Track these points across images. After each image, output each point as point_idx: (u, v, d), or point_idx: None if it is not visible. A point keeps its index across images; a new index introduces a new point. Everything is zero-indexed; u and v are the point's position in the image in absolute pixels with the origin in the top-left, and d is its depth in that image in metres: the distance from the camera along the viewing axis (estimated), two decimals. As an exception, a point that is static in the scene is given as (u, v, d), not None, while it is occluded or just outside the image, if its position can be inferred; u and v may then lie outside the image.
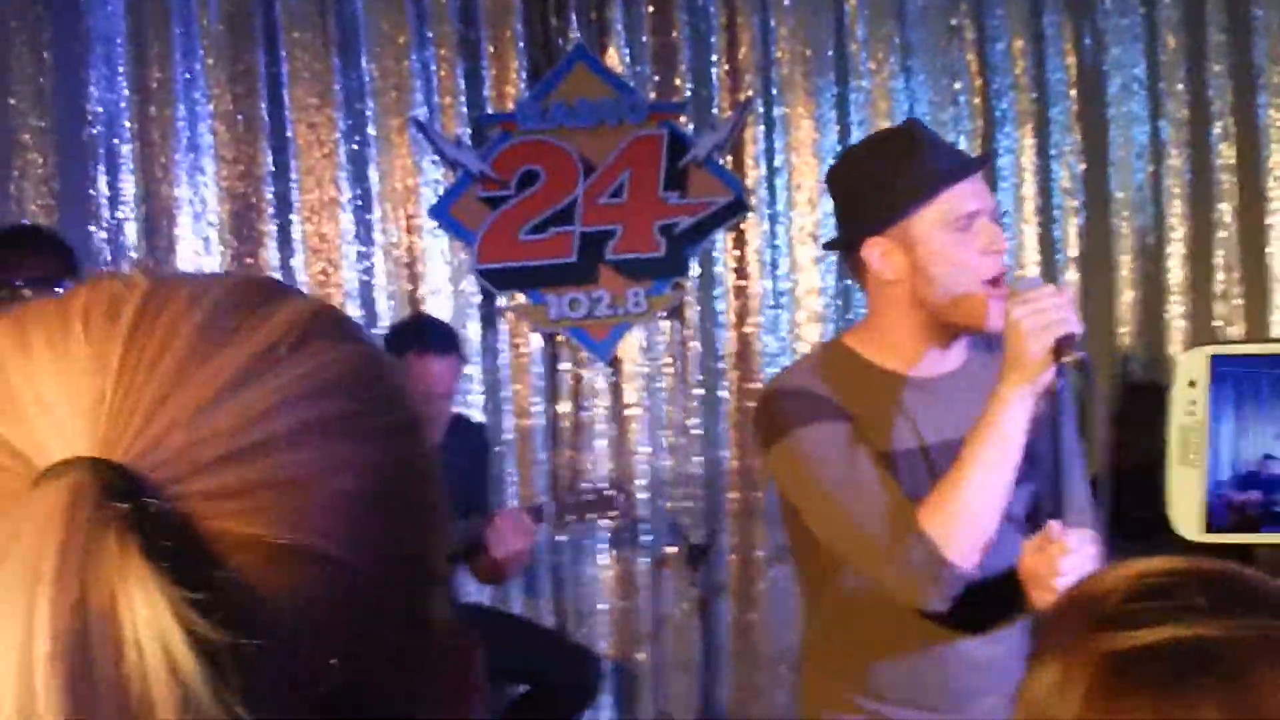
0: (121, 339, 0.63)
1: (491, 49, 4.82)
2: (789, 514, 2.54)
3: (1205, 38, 5.39)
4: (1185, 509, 0.83)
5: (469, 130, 4.80)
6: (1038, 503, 2.43)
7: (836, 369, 2.44)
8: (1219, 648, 0.94)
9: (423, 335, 4.04)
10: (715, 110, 5.00)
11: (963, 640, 2.43)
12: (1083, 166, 5.31)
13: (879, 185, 2.39)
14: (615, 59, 4.93)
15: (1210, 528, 0.82)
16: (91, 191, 4.56)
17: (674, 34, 4.97)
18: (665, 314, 4.93)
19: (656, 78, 4.97)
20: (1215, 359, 0.83)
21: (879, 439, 2.38)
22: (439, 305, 4.68)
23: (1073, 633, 1.03)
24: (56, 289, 2.93)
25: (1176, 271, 5.39)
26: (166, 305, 0.65)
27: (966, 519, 2.26)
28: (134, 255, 4.51)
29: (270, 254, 4.62)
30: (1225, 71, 5.40)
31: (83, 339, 0.63)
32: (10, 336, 0.65)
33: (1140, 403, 5.32)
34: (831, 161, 2.64)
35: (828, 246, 2.69)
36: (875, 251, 2.39)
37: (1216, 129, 5.40)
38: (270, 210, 4.62)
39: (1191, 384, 0.83)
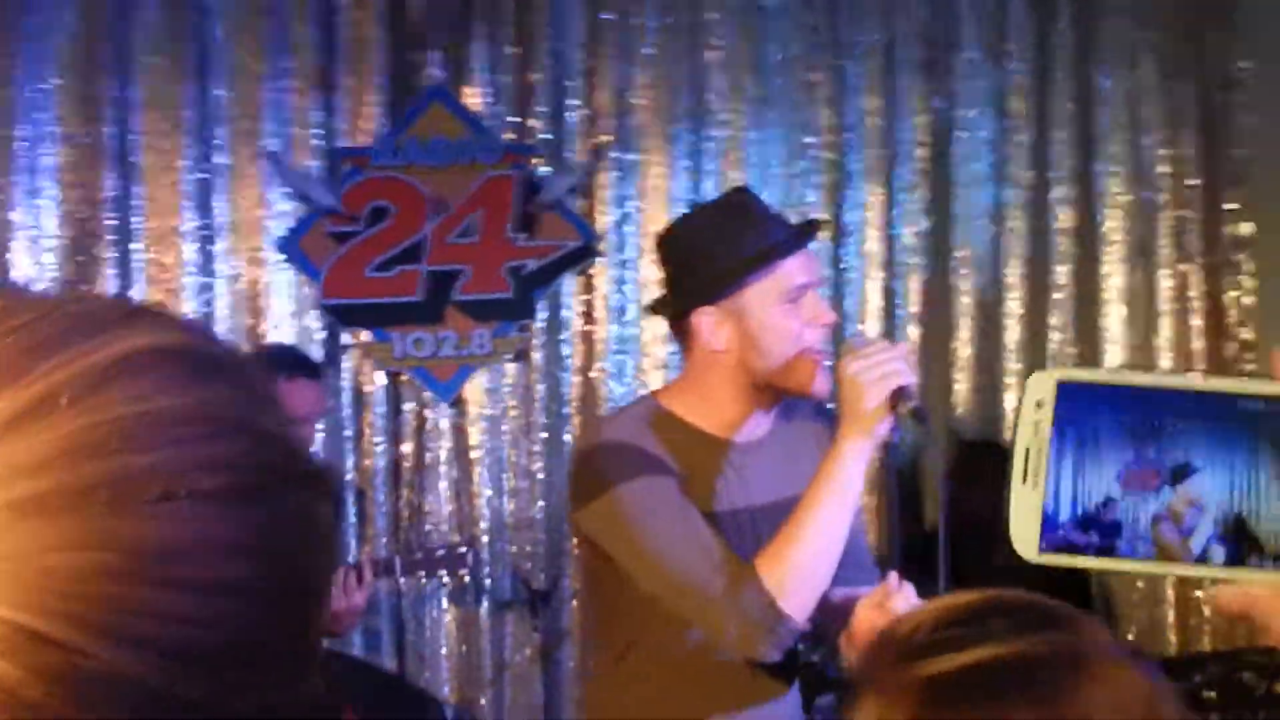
0: None
1: (349, 83, 4.86)
2: (594, 575, 2.61)
3: (1051, 105, 5.65)
4: (1024, 529, 0.84)
5: (321, 163, 4.83)
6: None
7: (659, 427, 2.53)
8: (1024, 664, 1.04)
9: (289, 360, 4.17)
10: (570, 154, 5.11)
11: (768, 701, 2.54)
12: (927, 224, 5.49)
13: (711, 257, 2.48)
14: (475, 99, 5.00)
15: (1045, 549, 0.84)
16: (-77, 210, 4.49)
17: (534, 77, 5.06)
18: (511, 356, 5.00)
19: (515, 119, 5.06)
20: (1062, 385, 0.83)
21: (701, 501, 2.46)
22: (281, 340, 4.67)
23: (887, 668, 1.11)
24: None
25: (1013, 331, 5.63)
26: None
27: (803, 571, 2.35)
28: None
29: (107, 282, 4.60)
30: (1068, 139, 5.67)
31: None
32: None
33: (975, 459, 5.48)
34: (665, 225, 2.74)
35: (652, 310, 2.76)
36: (705, 320, 2.50)
37: (1057, 193, 5.67)
38: (111, 237, 4.60)
39: (1038, 405, 0.83)
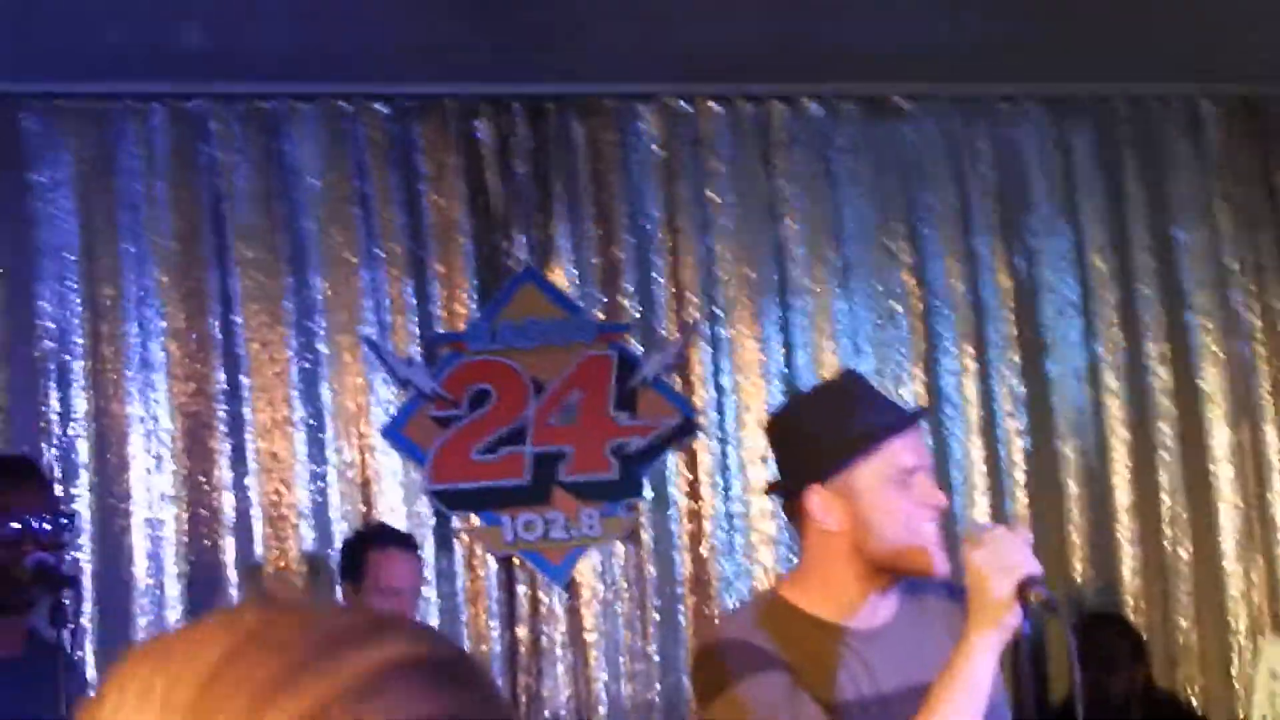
0: (186, 703, 0.72)
1: (440, 268, 5.37)
2: None
3: (1132, 260, 6.12)
4: None
5: (420, 349, 5.31)
6: None
7: (776, 621, 2.73)
8: None
9: (381, 533, 4.65)
10: (662, 331, 5.57)
11: None
12: (1023, 387, 5.91)
13: (822, 437, 2.72)
14: (562, 278, 5.50)
15: None
16: (43, 408, 4.95)
17: (619, 254, 5.57)
18: (620, 536, 5.39)
19: (603, 298, 5.54)
20: None
21: (823, 691, 2.64)
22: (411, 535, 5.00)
23: None
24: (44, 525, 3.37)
25: (1122, 492, 5.98)
26: (244, 656, 0.73)
27: None
28: (85, 474, 4.89)
29: (223, 473, 5.02)
30: (1154, 294, 6.12)
31: (157, 703, 0.72)
32: (114, 684, 0.75)
33: (1095, 630, 5.66)
34: (776, 409, 3.13)
35: (769, 490, 3.04)
36: (816, 500, 2.70)
37: (1151, 351, 6.09)
38: (223, 429, 5.04)
39: (1274, 675, 0.89)
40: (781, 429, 2.87)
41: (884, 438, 2.66)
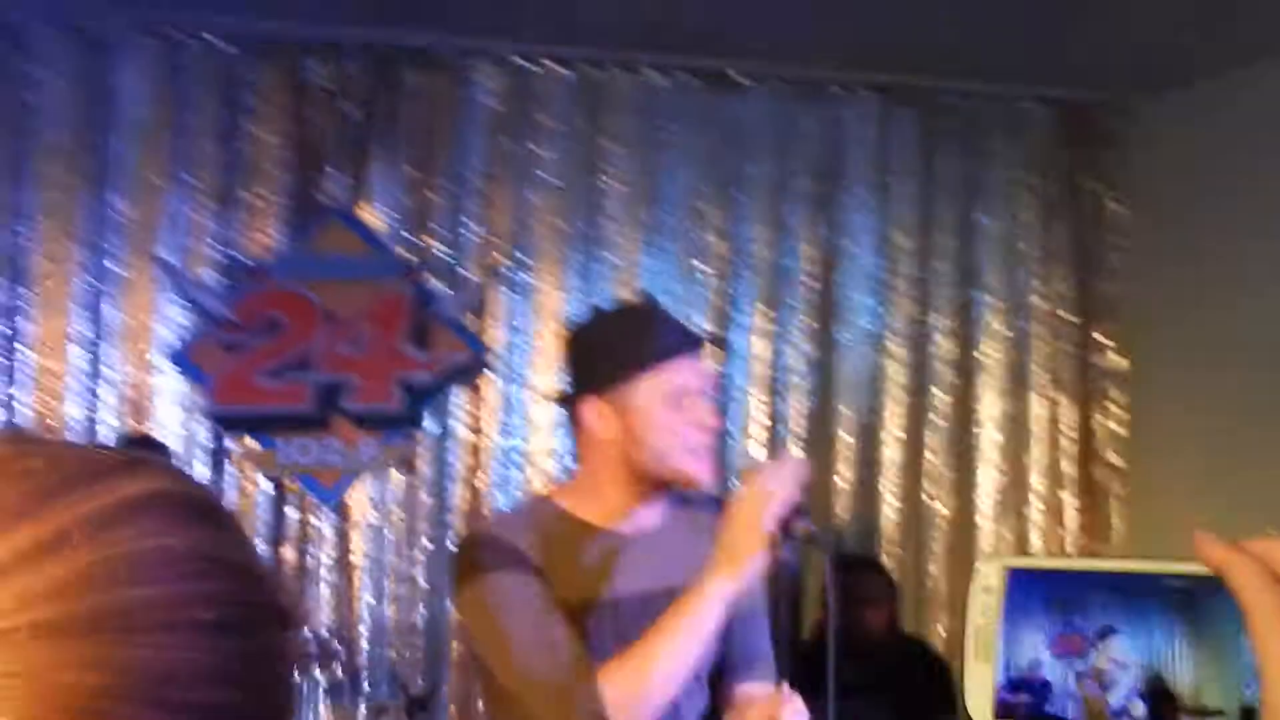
0: None
1: (250, 199, 4.64)
2: (474, 658, 2.50)
3: (933, 239, 5.47)
4: (979, 701, 0.85)
5: (218, 275, 4.58)
6: (720, 662, 2.41)
7: (542, 523, 2.40)
8: None
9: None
10: (466, 273, 4.87)
11: None
12: (811, 349, 5.29)
13: (606, 350, 2.41)
14: (374, 218, 4.78)
15: (997, 715, 0.85)
16: None
17: (433, 198, 4.84)
18: (396, 464, 4.71)
19: (412, 239, 4.82)
20: (1010, 570, 0.85)
21: (580, 590, 2.34)
22: (167, 445, 4.24)
23: None
24: None
25: (892, 452, 5.38)
26: None
27: (642, 690, 2.21)
28: None
29: (-7, 384, 4.32)
30: (949, 270, 5.48)
31: None
32: None
33: (853, 573, 5.07)
34: (573, 325, 2.66)
35: (554, 398, 2.74)
36: (592, 410, 2.39)
37: (937, 323, 5.47)
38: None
39: (987, 590, 0.85)
40: (574, 340, 2.53)
41: (664, 357, 2.37)
